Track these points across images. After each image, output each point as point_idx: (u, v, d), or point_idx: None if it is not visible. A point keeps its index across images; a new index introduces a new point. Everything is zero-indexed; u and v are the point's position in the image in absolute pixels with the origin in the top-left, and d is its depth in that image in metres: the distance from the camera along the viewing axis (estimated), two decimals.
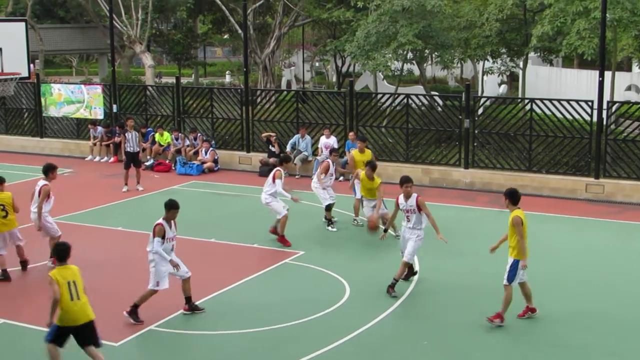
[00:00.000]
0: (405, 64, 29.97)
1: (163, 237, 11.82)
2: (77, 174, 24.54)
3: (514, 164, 21.88)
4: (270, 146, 24.33)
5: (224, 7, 37.36)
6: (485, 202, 20.26)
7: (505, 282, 11.75)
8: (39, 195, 14.55)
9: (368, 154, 18.35)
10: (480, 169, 22.18)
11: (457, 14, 29.74)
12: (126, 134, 21.88)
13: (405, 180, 13.37)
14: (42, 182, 14.73)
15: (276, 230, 16.40)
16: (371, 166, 16.45)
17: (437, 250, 14.78)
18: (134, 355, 11.10)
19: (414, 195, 13.26)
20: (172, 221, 12.04)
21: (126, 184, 21.60)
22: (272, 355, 11.02)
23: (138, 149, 21.85)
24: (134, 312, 12.00)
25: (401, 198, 13.36)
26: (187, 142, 25.64)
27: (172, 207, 11.98)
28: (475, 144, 22.34)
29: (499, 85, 41.82)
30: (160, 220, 11.91)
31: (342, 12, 33.67)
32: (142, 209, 19.74)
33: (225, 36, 51.73)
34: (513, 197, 11.83)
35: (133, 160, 21.66)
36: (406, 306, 12.85)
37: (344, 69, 44.97)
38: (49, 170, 14.86)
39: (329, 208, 17.57)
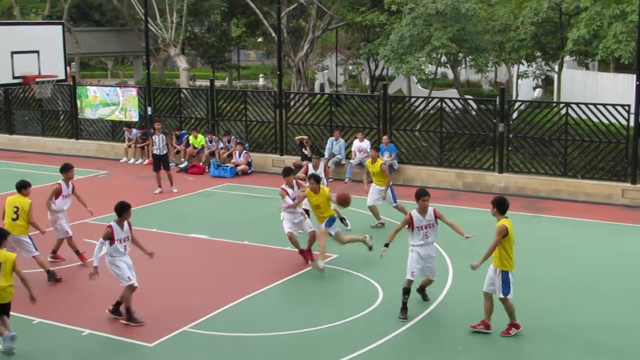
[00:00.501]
0: (439, 68, 29.85)
1: (111, 239, 11.99)
2: (112, 176, 24.78)
3: (549, 169, 21.69)
4: (304, 149, 24.36)
5: (257, 11, 37.52)
6: (519, 206, 20.05)
7: (500, 295, 11.46)
8: None
9: (377, 165, 17.32)
10: (514, 173, 22.00)
11: (492, 17, 29.53)
12: (153, 137, 22.03)
13: (423, 194, 12.18)
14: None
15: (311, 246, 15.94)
16: (314, 179, 14.88)
17: (469, 256, 14.63)
18: (168, 356, 11.14)
19: (431, 208, 12.27)
20: (125, 222, 12.20)
21: (159, 186, 21.77)
22: (306, 357, 11.02)
23: (165, 152, 21.97)
24: (130, 317, 12.07)
25: (416, 215, 12.19)
26: (221, 145, 25.77)
27: (120, 210, 12.17)
28: (509, 148, 22.19)
29: (534, 89, 41.48)
30: (111, 223, 12.11)
31: (376, 15, 33.63)
32: (176, 211, 19.89)
33: (259, 39, 51.95)
34: (501, 206, 11.53)
35: (162, 162, 21.81)
36: (439, 311, 12.78)
37: (377, 73, 44.89)
38: (63, 170, 15.11)
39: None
